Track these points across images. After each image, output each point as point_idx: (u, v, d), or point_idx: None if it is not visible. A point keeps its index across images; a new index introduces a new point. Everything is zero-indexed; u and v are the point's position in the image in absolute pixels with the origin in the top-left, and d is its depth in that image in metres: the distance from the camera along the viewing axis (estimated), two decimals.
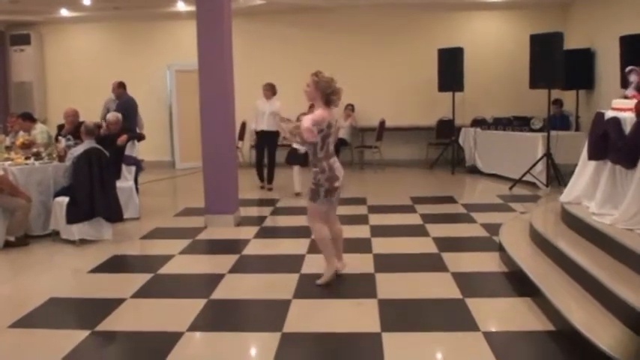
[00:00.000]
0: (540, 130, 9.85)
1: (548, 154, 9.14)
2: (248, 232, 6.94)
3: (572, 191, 5.78)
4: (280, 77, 10.49)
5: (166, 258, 5.87)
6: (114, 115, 8.03)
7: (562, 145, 9.24)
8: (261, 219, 7.70)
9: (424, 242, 6.28)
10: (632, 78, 6.69)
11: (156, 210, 8.25)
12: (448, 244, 6.16)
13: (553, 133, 9.17)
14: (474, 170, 11.05)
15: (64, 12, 12.50)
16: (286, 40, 12.50)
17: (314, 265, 5.30)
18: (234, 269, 5.48)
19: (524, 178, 9.43)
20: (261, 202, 9.00)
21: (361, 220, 7.43)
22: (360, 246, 6.12)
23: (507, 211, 7.86)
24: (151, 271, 5.40)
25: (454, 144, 11.46)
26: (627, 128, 5.00)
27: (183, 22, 12.20)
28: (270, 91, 9.69)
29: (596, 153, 5.39)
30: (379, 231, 6.79)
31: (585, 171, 5.72)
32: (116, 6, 11.95)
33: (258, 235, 6.80)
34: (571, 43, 10.60)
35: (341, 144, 11.92)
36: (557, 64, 8.76)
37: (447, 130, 11.77)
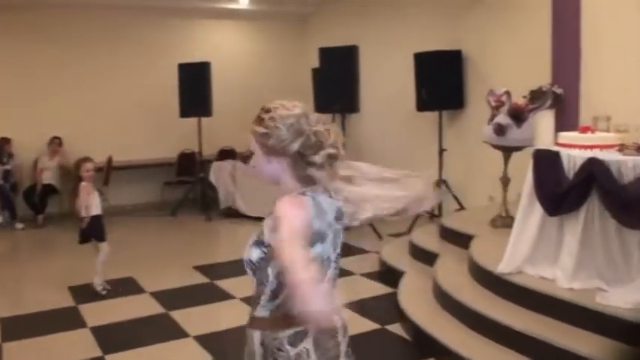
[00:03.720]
0: None
1: None
2: None
3: (515, 259, 4.24)
4: None
5: None
6: None
7: None
8: None
9: None
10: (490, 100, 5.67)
11: None
12: None
13: None
14: (233, 213, 8.92)
15: None
16: None
17: None
18: None
19: None
20: None
21: (174, 333, 4.79)
22: None
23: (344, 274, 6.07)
24: None
25: (202, 182, 9.20)
26: (624, 175, 3.66)
27: None
28: None
29: (564, 206, 3.93)
30: None
31: (526, 231, 4.25)
32: None
33: None
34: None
35: (47, 192, 8.66)
36: (355, 84, 7.31)
37: (191, 165, 9.41)
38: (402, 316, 4.68)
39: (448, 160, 7.75)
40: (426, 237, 6.24)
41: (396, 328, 4.60)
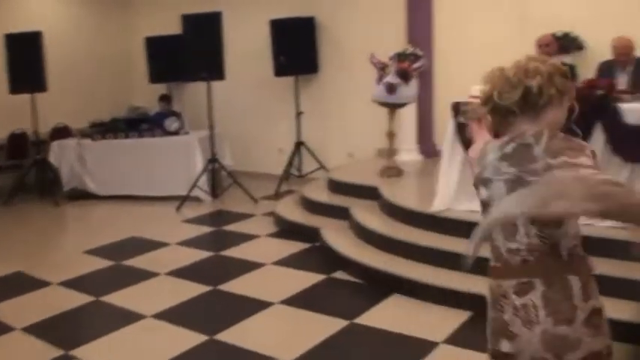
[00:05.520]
0: (177, 132, 8.18)
1: (214, 159, 7.69)
2: None
3: (445, 198, 4.89)
4: None
5: None
6: None
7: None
8: None
9: None
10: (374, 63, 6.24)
11: None
12: None
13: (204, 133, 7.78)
14: (80, 195, 8.35)
15: None
16: None
17: None
18: None
19: (176, 193, 7.70)
20: None
21: (127, 316, 4.58)
22: None
23: (234, 244, 6.08)
24: None
25: (41, 164, 8.41)
26: None
27: None
28: None
29: None
30: None
31: (451, 174, 4.91)
32: None
33: None
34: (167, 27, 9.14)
35: None
36: (220, 51, 7.33)
37: (23, 146, 8.50)
38: (343, 263, 5.04)
39: (305, 123, 8.20)
40: (318, 192, 6.66)
41: (342, 275, 4.97)
